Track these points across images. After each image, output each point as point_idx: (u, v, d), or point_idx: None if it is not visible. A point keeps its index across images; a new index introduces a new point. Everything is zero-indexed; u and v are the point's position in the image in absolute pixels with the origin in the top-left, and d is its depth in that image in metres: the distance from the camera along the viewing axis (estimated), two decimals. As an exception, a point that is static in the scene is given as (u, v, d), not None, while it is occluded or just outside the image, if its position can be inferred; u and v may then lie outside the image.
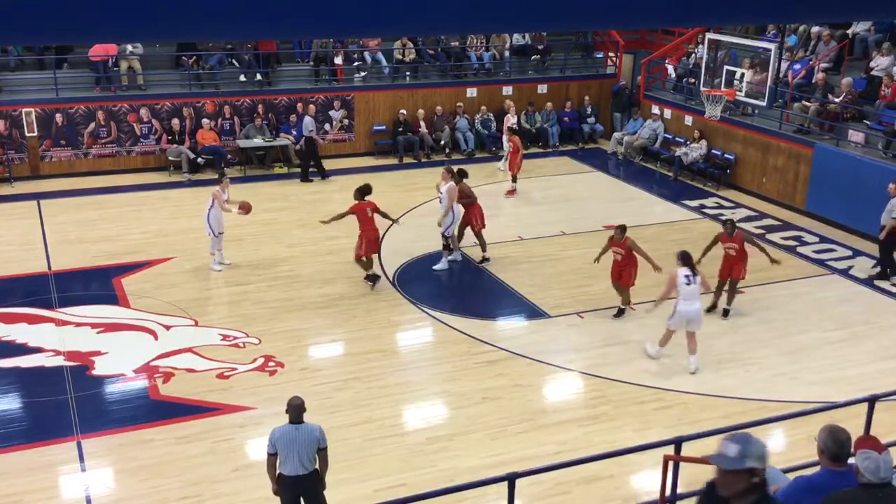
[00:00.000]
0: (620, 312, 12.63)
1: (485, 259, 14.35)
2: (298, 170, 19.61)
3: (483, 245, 14.44)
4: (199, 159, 18.99)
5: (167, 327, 12.03)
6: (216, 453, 9.26)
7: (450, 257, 14.21)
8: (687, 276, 10.79)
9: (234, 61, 20.44)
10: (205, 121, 19.30)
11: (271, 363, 11.13)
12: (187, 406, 10.15)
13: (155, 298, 12.85)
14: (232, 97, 19.73)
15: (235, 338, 11.74)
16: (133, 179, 18.68)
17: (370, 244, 13.25)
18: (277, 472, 7.40)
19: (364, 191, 13.33)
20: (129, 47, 19.25)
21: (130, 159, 19.23)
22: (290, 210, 16.36)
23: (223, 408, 10.12)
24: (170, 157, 18.99)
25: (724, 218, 14.62)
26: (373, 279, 13.31)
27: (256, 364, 11.09)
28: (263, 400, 10.25)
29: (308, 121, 19.06)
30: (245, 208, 13.86)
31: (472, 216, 14.26)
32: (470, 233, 14.45)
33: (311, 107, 19.69)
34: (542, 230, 16.06)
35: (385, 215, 13.48)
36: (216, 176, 18.77)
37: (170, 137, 19.04)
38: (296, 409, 7.35)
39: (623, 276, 12.48)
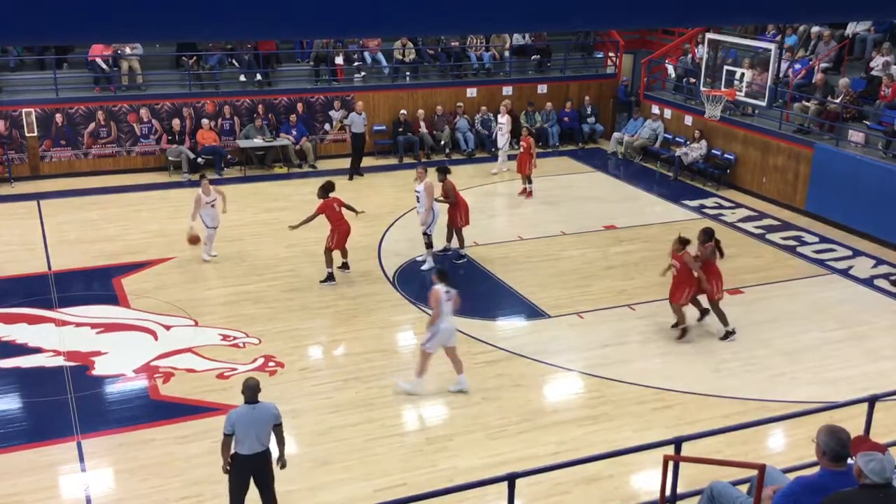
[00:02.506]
0: (683, 332, 11.91)
1: (454, 253, 14.49)
2: (298, 169, 19.65)
3: (461, 242, 14.54)
4: (199, 159, 18.99)
5: (167, 327, 12.03)
6: (216, 453, 9.13)
7: (429, 255, 14.25)
8: (447, 293, 10.21)
9: (233, 61, 20.45)
10: (205, 121, 19.31)
11: (271, 363, 11.13)
12: (187, 406, 10.15)
13: (155, 298, 12.85)
14: (232, 97, 19.74)
15: (235, 338, 11.74)
16: (133, 179, 18.69)
17: (342, 236, 13.40)
18: (233, 451, 7.61)
19: (328, 188, 13.48)
20: (128, 48, 19.27)
21: (130, 159, 19.24)
22: (290, 210, 16.34)
23: (223, 408, 10.05)
24: (170, 157, 19.00)
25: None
26: (330, 279, 13.44)
27: (256, 364, 11.09)
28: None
29: (356, 117, 19.11)
30: (192, 241, 13.87)
31: (456, 213, 14.31)
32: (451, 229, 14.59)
33: (359, 103, 19.68)
34: (542, 230, 16.06)
35: (350, 208, 13.62)
36: (216, 176, 18.88)
37: (170, 137, 19.05)
38: (251, 390, 7.57)
39: (676, 292, 11.80)
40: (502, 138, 19.51)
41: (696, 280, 11.70)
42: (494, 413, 10.10)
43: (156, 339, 11.73)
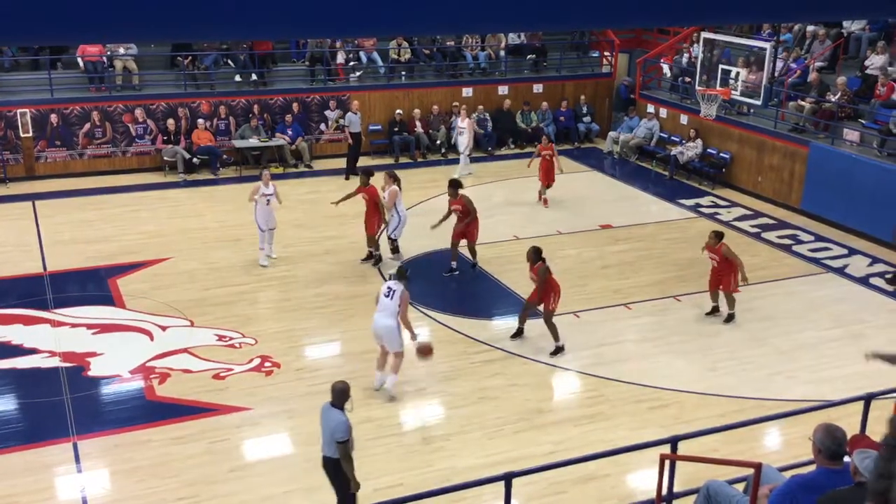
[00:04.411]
0: (730, 318, 12.40)
1: (475, 264, 14.19)
2: (294, 169, 19.65)
3: (474, 254, 14.20)
4: (195, 159, 18.97)
5: (163, 328, 12.01)
6: (213, 454, 9.25)
7: (394, 259, 14.25)
8: (388, 289, 10.21)
9: (229, 61, 20.42)
10: (200, 121, 19.27)
11: (267, 363, 11.12)
12: (184, 407, 10.14)
13: (151, 299, 12.83)
14: (227, 97, 19.71)
15: (231, 338, 11.73)
16: (128, 180, 18.65)
17: (381, 223, 14.03)
18: None
19: (371, 173, 14.15)
20: (122, 48, 19.24)
21: (126, 160, 19.20)
22: (285, 210, 16.29)
23: (220, 408, 10.11)
24: (165, 158, 18.97)
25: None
26: (379, 258, 14.20)
27: (253, 364, 11.08)
28: (260, 400, 10.25)
29: (353, 117, 19.15)
30: (424, 351, 10.29)
31: (471, 230, 13.93)
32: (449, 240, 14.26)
33: (356, 103, 19.68)
34: (538, 229, 16.05)
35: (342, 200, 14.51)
36: (212, 176, 18.87)
37: (165, 138, 19.02)
38: (335, 392, 7.54)
39: (723, 282, 12.31)
40: (462, 142, 19.23)
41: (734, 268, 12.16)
42: (491, 413, 10.10)
43: (152, 339, 11.71)
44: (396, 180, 14.09)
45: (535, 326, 12.25)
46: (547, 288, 11.47)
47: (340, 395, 7.48)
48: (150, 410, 10.10)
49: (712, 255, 12.36)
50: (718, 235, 12.40)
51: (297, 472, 8.97)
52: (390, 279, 10.46)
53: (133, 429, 9.71)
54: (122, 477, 8.89)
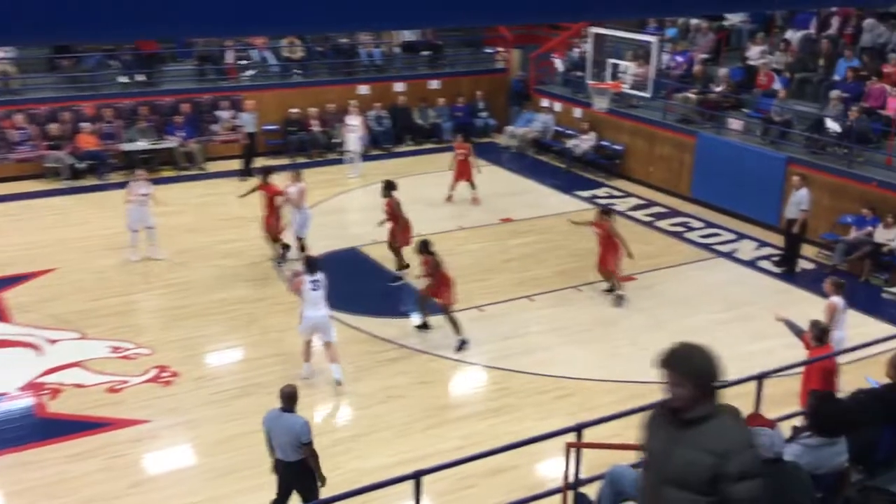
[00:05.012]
0: (618, 299, 12.86)
1: (398, 277, 13.86)
2: (186, 171, 19.11)
3: (400, 262, 13.88)
4: (80, 165, 18.21)
5: (52, 341, 11.49)
6: (111, 470, 8.91)
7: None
8: (313, 282, 10.32)
9: (114, 62, 19.68)
10: (84, 125, 18.52)
11: (165, 373, 10.77)
12: (78, 423, 9.73)
13: (38, 312, 12.27)
14: (113, 99, 19.01)
15: (126, 349, 11.32)
16: (10, 188, 17.74)
17: (281, 222, 13.95)
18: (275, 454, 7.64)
19: (271, 170, 14.17)
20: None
21: (6, 167, 18.23)
22: (177, 214, 15.83)
23: (116, 422, 9.74)
24: (48, 164, 18.15)
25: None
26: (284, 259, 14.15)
27: (149, 375, 10.71)
28: (158, 412, 9.93)
29: (247, 116, 18.76)
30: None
31: (398, 231, 13.69)
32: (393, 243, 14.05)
33: (250, 102, 19.18)
34: (439, 226, 16.06)
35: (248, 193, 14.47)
36: (98, 182, 18.19)
37: (47, 143, 18.19)
38: (284, 397, 7.52)
39: (607, 261, 12.82)
40: (354, 141, 19.04)
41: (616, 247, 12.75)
42: (399, 411, 10.05)
43: (41, 354, 11.20)
44: (301, 177, 14.05)
45: (439, 322, 12.26)
46: (439, 281, 11.46)
47: (290, 398, 7.52)
48: (43, 428, 9.66)
49: (597, 230, 12.78)
50: (605, 212, 12.97)
51: (198, 484, 8.72)
52: (305, 273, 10.41)
53: (24, 448, 9.25)
54: (13, 499, 8.46)
